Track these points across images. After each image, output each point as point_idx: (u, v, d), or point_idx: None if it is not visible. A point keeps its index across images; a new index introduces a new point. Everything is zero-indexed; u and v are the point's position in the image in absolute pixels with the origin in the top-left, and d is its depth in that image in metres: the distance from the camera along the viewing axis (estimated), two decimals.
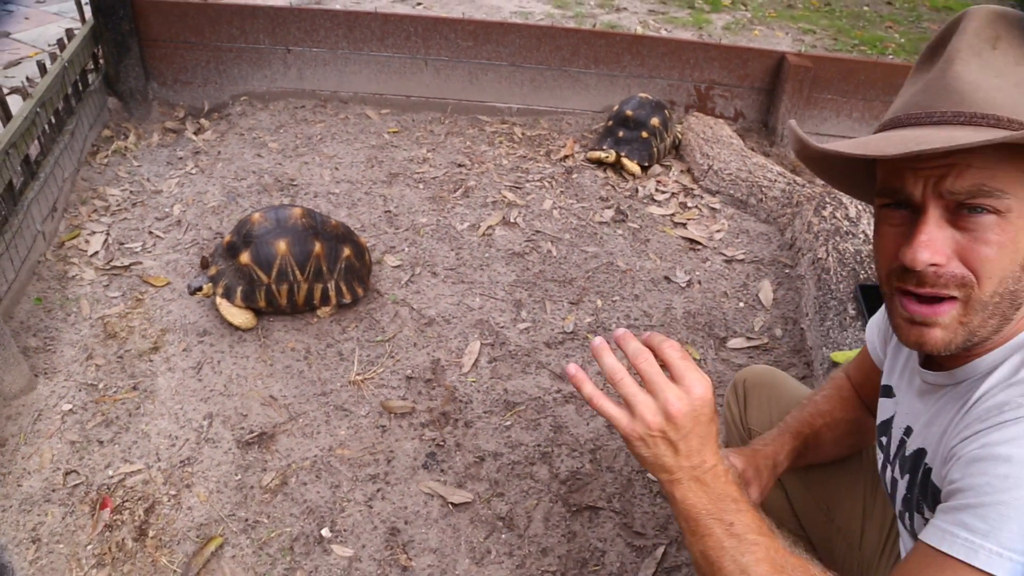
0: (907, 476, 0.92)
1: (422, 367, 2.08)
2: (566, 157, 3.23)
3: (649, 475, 1.72)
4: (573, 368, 0.81)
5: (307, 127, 3.32)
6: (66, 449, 1.76)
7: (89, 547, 1.55)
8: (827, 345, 2.03)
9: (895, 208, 0.80)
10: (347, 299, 2.22)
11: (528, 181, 3.04)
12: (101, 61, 3.21)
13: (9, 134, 2.21)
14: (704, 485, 0.77)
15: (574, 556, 1.62)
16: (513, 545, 1.63)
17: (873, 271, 2.21)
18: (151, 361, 2.03)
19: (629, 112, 3.11)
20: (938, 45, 0.80)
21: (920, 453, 0.89)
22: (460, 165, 3.12)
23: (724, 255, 2.68)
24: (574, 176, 3.09)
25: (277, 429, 1.86)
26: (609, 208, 2.90)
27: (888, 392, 1.04)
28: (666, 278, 2.53)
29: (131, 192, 2.78)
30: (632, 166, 3.09)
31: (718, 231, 2.82)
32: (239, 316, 2.12)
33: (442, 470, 1.79)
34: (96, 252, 2.43)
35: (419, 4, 5.29)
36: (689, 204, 2.99)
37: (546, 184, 3.03)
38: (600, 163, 3.16)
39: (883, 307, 1.07)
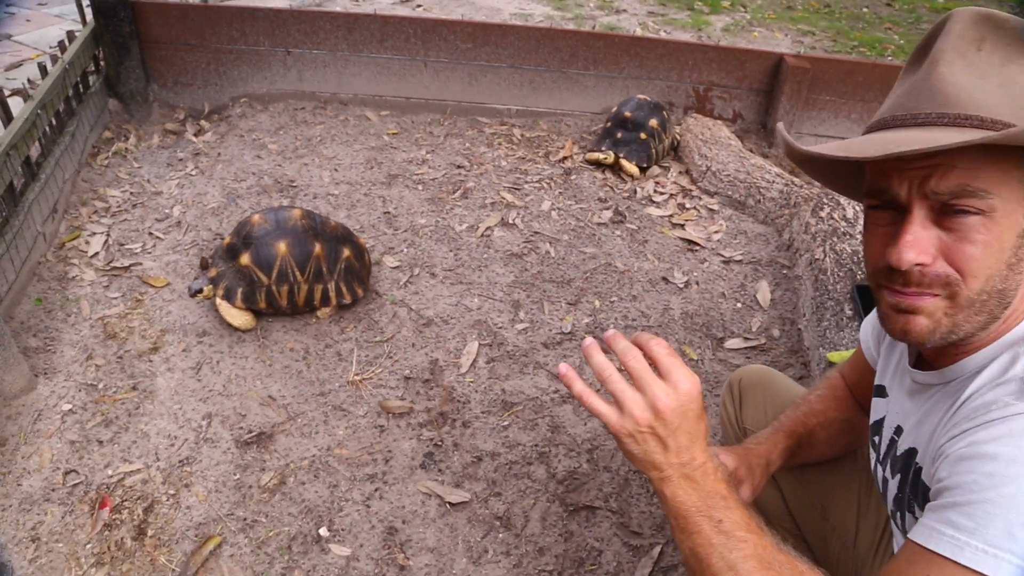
0: (898, 475, 0.92)
1: (420, 367, 2.09)
2: (565, 158, 3.24)
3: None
4: (564, 367, 0.82)
5: (307, 129, 3.33)
6: (66, 449, 1.77)
7: (88, 546, 1.56)
8: (824, 345, 2.04)
9: (882, 209, 0.81)
10: (347, 300, 2.23)
11: (527, 182, 3.05)
12: (102, 63, 3.22)
13: (10, 136, 2.23)
14: (693, 482, 0.78)
15: (571, 555, 1.62)
16: (510, 544, 1.64)
17: None
18: (151, 361, 2.04)
19: (627, 113, 3.12)
20: (924, 47, 0.81)
21: (911, 453, 0.90)
22: (459, 166, 3.13)
23: (722, 256, 2.69)
24: (573, 177, 3.10)
25: (276, 429, 1.87)
26: (607, 209, 2.91)
27: (881, 392, 1.04)
28: (664, 279, 2.54)
29: (131, 193, 2.79)
30: (630, 167, 3.10)
31: (716, 232, 2.83)
32: (239, 317, 2.12)
33: (440, 470, 1.80)
34: (96, 253, 2.44)
35: (419, 6, 5.30)
36: (687, 205, 3.00)
37: (545, 185, 3.04)
38: (599, 164, 3.17)
39: None
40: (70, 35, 2.99)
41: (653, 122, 3.11)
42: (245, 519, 1.64)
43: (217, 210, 2.72)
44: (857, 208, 2.57)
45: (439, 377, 2.07)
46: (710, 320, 2.36)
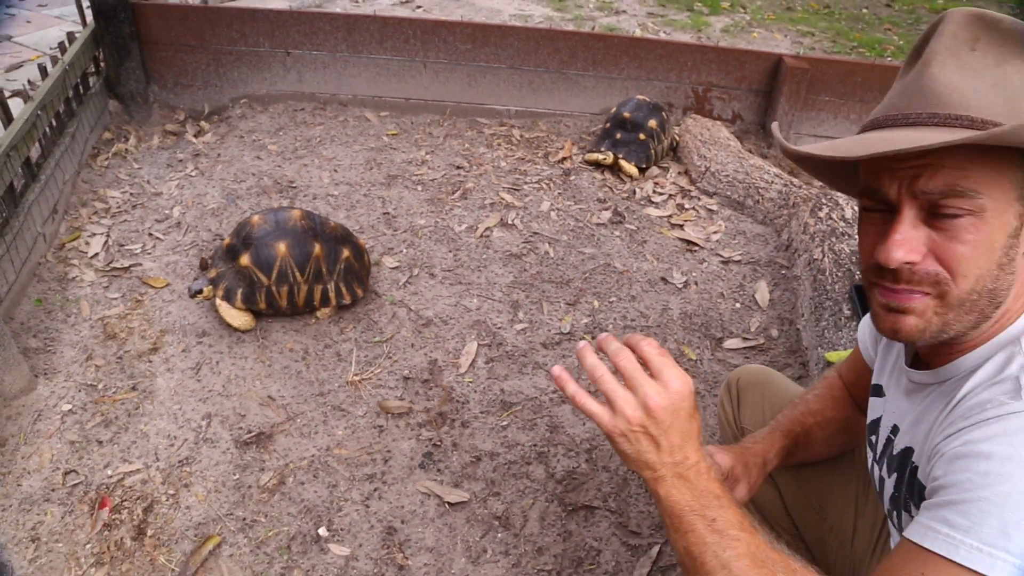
0: (894, 475, 0.93)
1: (419, 368, 2.09)
2: (564, 159, 3.25)
3: None
4: (557, 369, 0.82)
5: (306, 129, 3.34)
6: (65, 449, 1.77)
7: (88, 546, 1.56)
8: (822, 345, 2.04)
9: (876, 210, 0.82)
10: (346, 300, 2.23)
11: (526, 183, 3.05)
12: (102, 64, 3.23)
13: (10, 137, 2.23)
14: (687, 482, 0.79)
15: (569, 555, 1.63)
16: (509, 544, 1.64)
17: None
18: (150, 362, 2.05)
19: (627, 114, 3.12)
20: (919, 48, 0.82)
21: (907, 452, 0.90)
22: (458, 167, 3.14)
23: (721, 256, 2.70)
24: (572, 178, 3.11)
25: (275, 429, 1.87)
26: (606, 210, 2.91)
27: (878, 391, 1.05)
28: (663, 279, 2.55)
29: (131, 194, 2.80)
30: (630, 168, 3.10)
31: (715, 232, 2.83)
32: (239, 318, 2.13)
33: (439, 470, 1.80)
34: (96, 254, 2.45)
35: (418, 7, 5.31)
36: (686, 206, 3.00)
37: (544, 186, 3.04)
38: (598, 165, 3.18)
39: None
40: (70, 36, 2.99)
41: (652, 123, 3.12)
42: (244, 519, 1.65)
43: (217, 211, 2.73)
44: (856, 208, 2.58)
45: (438, 377, 2.07)
46: (709, 320, 2.36)
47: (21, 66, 3.87)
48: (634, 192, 3.06)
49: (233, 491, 1.71)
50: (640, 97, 3.25)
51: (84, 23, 3.19)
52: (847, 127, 3.51)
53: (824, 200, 2.64)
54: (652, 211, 2.94)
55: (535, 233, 2.74)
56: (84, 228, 2.56)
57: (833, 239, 2.41)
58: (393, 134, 3.37)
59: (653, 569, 1.60)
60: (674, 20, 5.48)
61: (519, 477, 1.80)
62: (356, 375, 2.05)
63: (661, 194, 3.06)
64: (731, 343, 2.27)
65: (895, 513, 0.93)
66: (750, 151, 3.30)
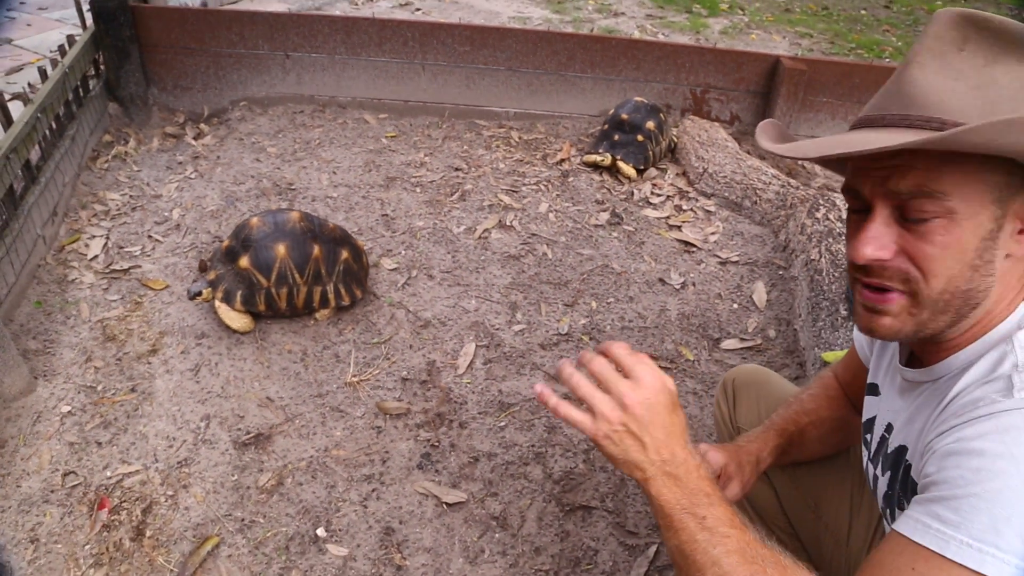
0: (888, 473, 0.93)
1: (418, 369, 2.10)
2: (562, 161, 3.25)
3: None
4: (539, 387, 0.85)
5: (305, 132, 3.35)
6: (65, 450, 1.78)
7: (87, 547, 1.57)
8: (819, 345, 2.05)
9: (857, 208, 0.84)
10: (345, 301, 2.24)
11: (524, 185, 3.06)
12: (102, 67, 3.24)
13: (10, 139, 2.24)
14: (677, 480, 0.79)
15: (567, 555, 1.63)
16: (507, 544, 1.64)
17: None
18: (149, 363, 2.05)
19: (625, 116, 3.13)
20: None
21: (901, 450, 0.90)
22: (457, 169, 3.15)
23: (718, 257, 2.70)
24: (570, 179, 3.11)
25: (274, 430, 1.88)
26: (605, 211, 2.92)
27: (874, 390, 1.05)
28: (661, 280, 2.55)
29: (131, 196, 2.81)
30: (628, 169, 3.11)
31: (713, 233, 2.84)
32: (238, 320, 2.14)
33: (436, 470, 1.81)
34: (96, 256, 2.45)
35: (417, 10, 5.33)
36: (684, 207, 3.01)
37: (542, 188, 3.05)
38: (596, 166, 3.19)
39: None
40: (70, 39, 3.00)
41: (650, 124, 3.13)
42: (243, 520, 1.65)
43: (216, 213, 2.74)
44: None
45: (436, 378, 2.08)
46: (706, 321, 2.37)
47: (21, 69, 3.88)
48: (632, 193, 3.07)
49: (232, 492, 1.71)
50: (638, 99, 3.26)
51: (84, 26, 3.20)
52: (845, 128, 3.50)
53: (821, 201, 2.65)
54: (650, 212, 2.95)
55: (533, 234, 2.75)
56: (84, 230, 2.57)
57: (830, 240, 2.42)
58: (392, 136, 3.38)
59: (650, 569, 1.61)
60: (673, 22, 5.49)
61: (517, 477, 1.80)
62: (354, 376, 2.05)
63: (659, 195, 3.07)
64: (728, 343, 2.27)
65: (889, 511, 0.94)
66: (748, 152, 3.30)
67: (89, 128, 2.99)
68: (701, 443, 1.13)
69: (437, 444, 1.87)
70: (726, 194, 3.01)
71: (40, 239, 2.38)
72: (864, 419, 1.06)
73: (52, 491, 1.68)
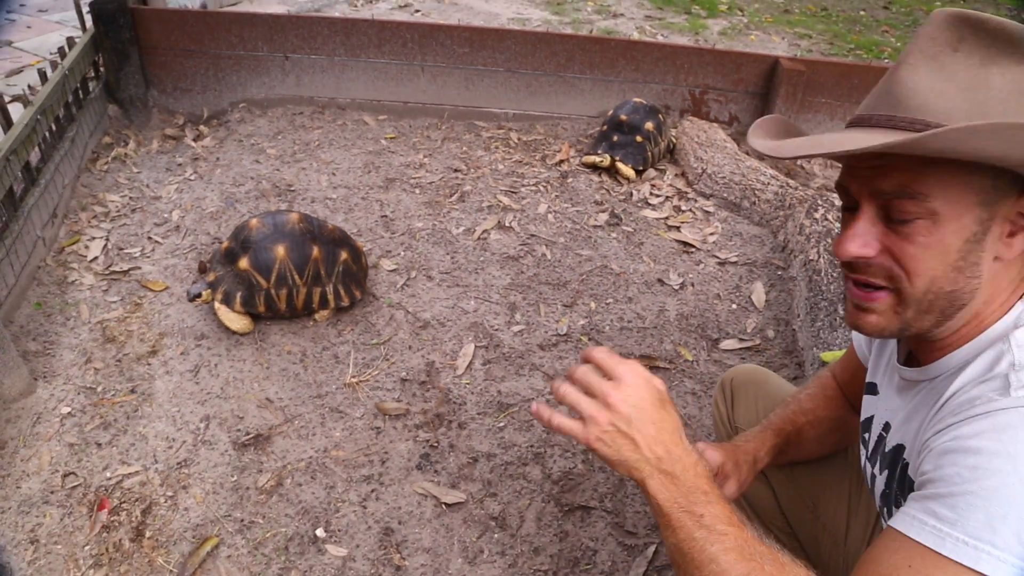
0: (885, 471, 0.94)
1: (417, 369, 2.10)
2: (561, 162, 3.26)
3: None
4: (534, 406, 0.87)
5: (305, 133, 3.36)
6: (64, 451, 1.78)
7: (87, 548, 1.57)
8: (818, 345, 2.05)
9: (847, 207, 0.86)
10: (345, 302, 2.24)
11: (523, 186, 3.07)
12: (101, 69, 3.24)
13: (10, 141, 2.25)
14: (673, 477, 0.80)
15: (566, 555, 1.63)
16: (505, 544, 1.65)
17: None
18: (149, 364, 2.06)
19: (623, 117, 3.14)
20: None
21: (899, 449, 0.91)
22: (456, 170, 3.15)
23: (717, 257, 2.71)
24: (569, 180, 3.12)
25: (273, 431, 1.88)
26: (603, 212, 2.92)
27: (872, 389, 1.06)
28: (659, 281, 2.56)
29: (130, 198, 2.81)
30: (627, 170, 3.12)
31: (711, 234, 2.84)
32: (237, 322, 2.14)
33: (436, 471, 1.81)
34: (96, 257, 2.46)
35: (417, 11, 5.33)
36: (683, 207, 3.01)
37: (541, 188, 3.06)
38: (595, 167, 3.19)
39: None
40: (70, 41, 3.01)
41: (649, 125, 3.13)
42: (242, 520, 1.66)
43: (216, 214, 2.74)
44: None
45: (435, 379, 2.08)
46: (705, 321, 2.37)
47: (21, 71, 3.89)
48: (631, 194, 3.07)
49: (231, 492, 1.71)
50: (637, 100, 3.26)
51: (84, 28, 3.21)
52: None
53: (820, 201, 2.65)
54: (649, 213, 2.95)
55: (532, 235, 2.75)
56: (83, 232, 2.57)
57: (829, 240, 2.42)
58: (391, 137, 3.39)
59: (649, 569, 1.61)
60: (672, 23, 5.50)
61: (516, 478, 1.80)
62: (354, 377, 2.06)
63: (658, 196, 3.08)
64: (727, 344, 2.28)
65: (886, 509, 0.94)
66: (747, 153, 3.30)
67: (89, 130, 3.00)
68: (698, 442, 1.13)
69: (436, 445, 1.88)
70: (725, 195, 3.02)
71: (40, 241, 2.38)
72: (862, 418, 1.07)
73: (52, 492, 1.68)
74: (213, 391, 1.98)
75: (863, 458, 1.05)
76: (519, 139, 3.46)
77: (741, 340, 2.29)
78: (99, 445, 1.81)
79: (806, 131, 0.94)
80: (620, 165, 3.11)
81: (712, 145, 3.21)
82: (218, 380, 2.02)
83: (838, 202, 2.61)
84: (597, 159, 3.14)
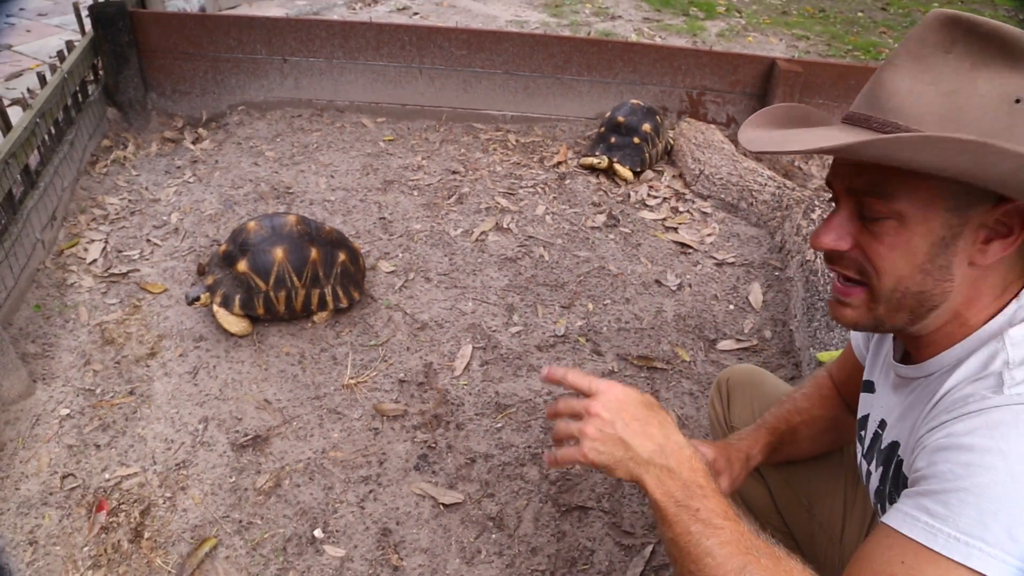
0: (880, 468, 0.94)
1: (415, 371, 2.11)
2: (559, 163, 3.27)
3: None
4: (547, 455, 0.90)
5: (303, 136, 3.36)
6: (63, 453, 1.79)
7: (85, 549, 1.58)
8: (815, 346, 2.06)
9: (833, 199, 0.88)
10: (343, 303, 2.25)
11: (521, 187, 3.07)
12: (100, 72, 3.25)
13: (9, 144, 2.25)
14: (670, 472, 0.81)
15: (563, 555, 1.64)
16: (503, 545, 1.65)
17: None
18: (148, 366, 2.06)
19: (621, 118, 3.15)
20: None
21: (893, 446, 0.91)
22: (454, 172, 3.16)
23: (715, 258, 2.71)
24: (567, 182, 3.13)
25: (271, 432, 1.89)
26: (601, 213, 2.93)
27: (869, 387, 1.06)
28: (657, 282, 2.56)
29: (129, 201, 2.82)
30: (624, 172, 3.12)
31: (709, 235, 2.85)
32: (236, 324, 2.14)
33: (433, 471, 1.82)
34: (94, 260, 2.46)
35: (415, 14, 5.35)
36: (681, 208, 3.02)
37: (539, 190, 3.06)
38: (593, 169, 3.20)
39: None
40: (69, 45, 3.02)
41: (646, 127, 3.14)
42: (240, 521, 1.66)
43: (214, 217, 2.75)
44: None
45: (433, 380, 2.08)
46: (703, 322, 2.38)
47: (21, 75, 3.90)
48: (629, 196, 3.08)
49: (229, 494, 1.72)
50: (634, 101, 3.27)
51: (83, 32, 3.22)
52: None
53: (817, 202, 2.66)
54: (646, 214, 2.96)
55: (530, 237, 2.76)
56: (83, 234, 2.58)
57: None
58: (389, 140, 3.40)
59: (646, 569, 1.61)
60: (670, 25, 5.51)
61: (513, 478, 1.81)
62: (352, 378, 2.06)
63: (656, 197, 3.08)
64: (725, 344, 2.28)
65: (880, 506, 0.95)
66: (744, 154, 3.31)
67: (88, 133, 3.01)
68: (691, 440, 1.14)
69: (434, 445, 1.88)
70: (722, 196, 3.03)
71: (39, 243, 2.39)
72: (859, 415, 1.07)
73: (51, 493, 1.69)
74: (212, 393, 1.99)
75: (859, 455, 1.06)
76: (517, 141, 3.46)
77: (738, 341, 2.30)
78: (98, 447, 1.81)
79: (813, 118, 0.94)
80: (618, 167, 3.12)
81: (709, 146, 3.22)
82: (216, 382, 2.02)
83: None
84: (595, 161, 3.15)
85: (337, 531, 1.66)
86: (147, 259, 2.51)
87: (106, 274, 2.41)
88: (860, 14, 6.29)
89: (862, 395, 1.08)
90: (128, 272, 2.42)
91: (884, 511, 0.93)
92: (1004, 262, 0.79)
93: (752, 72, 3.47)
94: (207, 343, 2.16)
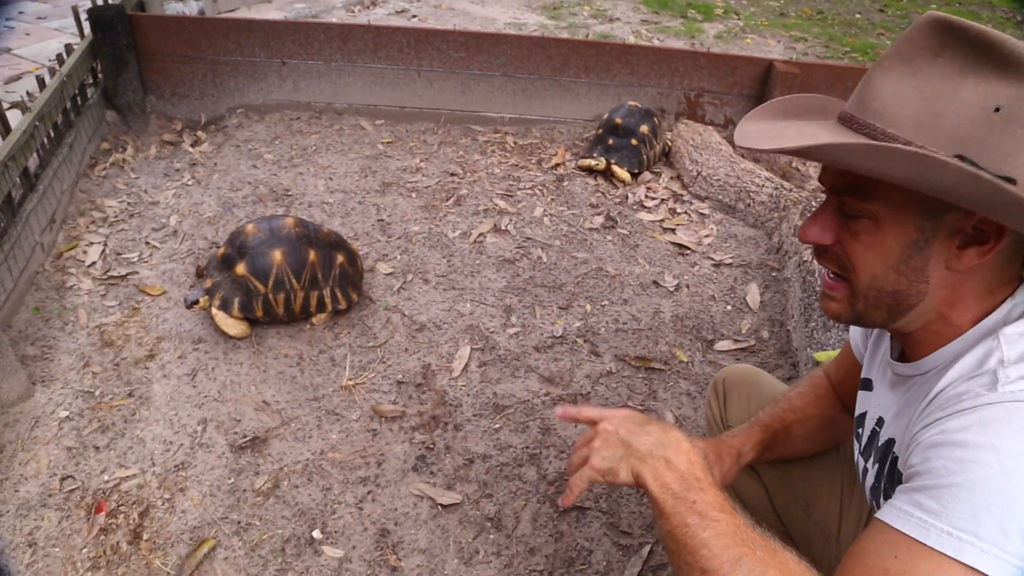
0: (876, 466, 0.95)
1: (413, 372, 2.12)
2: (557, 165, 3.27)
3: None
4: (561, 501, 0.97)
5: (302, 138, 3.37)
6: (63, 455, 1.79)
7: (84, 550, 1.58)
8: (812, 346, 2.06)
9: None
10: (342, 305, 2.25)
11: (520, 189, 3.08)
12: (100, 75, 3.26)
13: (8, 147, 2.26)
14: (669, 464, 0.84)
15: (561, 555, 1.64)
16: (501, 545, 1.66)
17: None
18: (147, 368, 2.07)
19: (618, 120, 3.15)
20: None
21: (890, 443, 0.92)
22: (453, 174, 3.17)
23: (712, 259, 2.72)
24: (565, 184, 3.14)
25: (270, 433, 1.89)
26: (599, 215, 2.94)
27: (867, 385, 1.07)
28: (655, 282, 2.57)
29: (128, 203, 2.83)
30: (622, 173, 3.13)
31: (707, 236, 2.85)
32: (235, 327, 2.15)
33: (432, 472, 1.82)
34: (94, 262, 2.47)
35: (414, 17, 5.36)
36: (678, 210, 3.03)
37: (537, 192, 3.07)
38: (591, 171, 3.21)
39: None
40: (68, 48, 3.03)
41: (644, 128, 3.15)
42: (239, 522, 1.66)
43: (213, 219, 2.76)
44: None
45: (431, 381, 2.09)
46: (700, 323, 2.39)
47: (20, 78, 3.91)
48: (626, 197, 3.09)
49: (228, 495, 1.72)
50: (632, 103, 3.28)
51: (82, 35, 3.23)
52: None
53: (814, 203, 2.67)
54: (644, 216, 2.97)
55: (528, 238, 2.76)
56: (82, 237, 2.59)
57: None
58: (388, 142, 3.41)
59: (644, 568, 1.62)
60: (668, 27, 5.53)
61: (511, 479, 1.81)
62: (350, 380, 2.07)
63: (653, 199, 3.09)
64: (722, 345, 2.29)
65: (875, 503, 0.95)
66: (741, 155, 3.32)
67: (87, 136, 3.01)
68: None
69: (432, 446, 1.89)
70: (720, 197, 3.03)
71: (38, 246, 2.39)
72: (857, 413, 1.08)
73: (50, 495, 1.69)
74: (210, 394, 1.99)
75: (856, 453, 1.06)
76: (515, 143, 3.47)
77: (736, 341, 2.31)
78: (97, 448, 1.82)
79: (814, 110, 0.95)
80: (616, 168, 3.13)
81: (707, 148, 3.23)
82: (215, 383, 2.03)
83: None
84: (593, 162, 3.16)
85: (335, 532, 1.66)
86: (146, 261, 2.51)
87: (105, 276, 2.42)
88: (858, 16, 6.31)
89: (860, 393, 1.09)
90: (127, 274, 2.43)
91: (879, 507, 0.93)
92: (986, 266, 0.79)
93: (749, 74, 3.48)
94: (206, 345, 2.16)
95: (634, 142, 3.13)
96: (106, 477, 1.74)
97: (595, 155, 3.16)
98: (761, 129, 0.90)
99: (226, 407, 1.96)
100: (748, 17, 5.96)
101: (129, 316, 2.26)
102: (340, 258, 2.23)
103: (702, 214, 3.00)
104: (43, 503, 1.68)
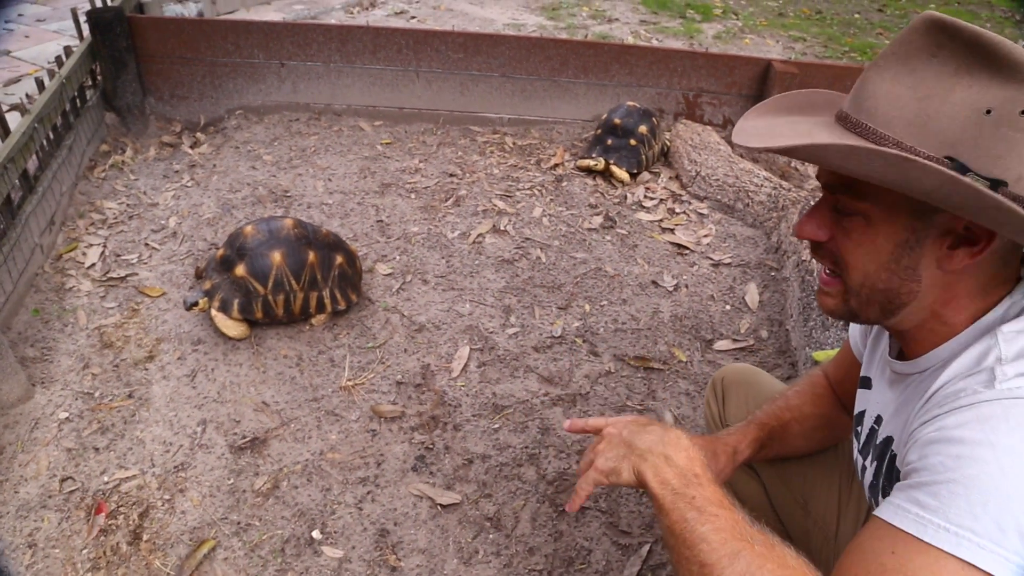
0: (875, 463, 0.95)
1: (412, 372, 2.12)
2: (556, 166, 3.28)
3: None
4: (568, 507, 1.01)
5: (301, 139, 3.38)
6: (62, 456, 1.80)
7: (84, 551, 1.58)
8: (810, 345, 2.07)
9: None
10: (341, 306, 2.25)
11: (518, 189, 3.09)
12: (99, 77, 3.27)
13: (8, 149, 2.26)
14: (668, 460, 0.85)
15: (560, 555, 1.64)
16: (500, 545, 1.66)
17: None
18: (146, 370, 2.07)
19: (617, 120, 3.16)
20: None
21: (888, 441, 0.92)
22: (452, 175, 3.17)
23: (711, 259, 2.72)
24: (564, 184, 3.14)
25: (269, 434, 1.89)
26: (598, 215, 2.94)
27: (866, 384, 1.07)
28: (654, 282, 2.57)
29: (128, 205, 2.83)
30: (621, 173, 3.13)
31: (705, 236, 2.86)
32: (234, 328, 2.15)
33: (431, 472, 1.82)
34: (93, 264, 2.47)
35: (412, 18, 5.36)
36: (677, 210, 3.03)
37: (536, 192, 3.07)
38: (589, 171, 3.21)
39: None
40: (67, 50, 3.03)
41: (643, 128, 3.15)
42: (239, 523, 1.67)
43: (212, 220, 2.76)
44: None
45: (431, 381, 2.09)
46: (699, 322, 2.39)
47: (19, 80, 3.91)
48: (625, 197, 3.09)
49: (228, 495, 1.73)
50: (631, 103, 3.28)
51: (81, 37, 3.23)
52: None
53: (812, 203, 2.67)
54: (643, 216, 2.97)
55: (527, 239, 2.77)
56: (81, 239, 2.59)
57: None
58: (387, 143, 3.41)
59: (643, 568, 1.62)
60: (667, 27, 5.53)
61: (511, 479, 1.82)
62: (349, 380, 2.07)
63: (652, 199, 3.10)
64: (721, 344, 2.29)
65: (873, 500, 0.96)
66: (740, 155, 3.33)
67: (86, 138, 3.02)
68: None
69: (431, 447, 1.89)
70: (719, 197, 3.04)
71: (38, 248, 2.40)
72: (856, 411, 1.08)
73: (50, 496, 1.70)
74: (210, 395, 2.00)
75: (855, 451, 1.07)
76: (514, 143, 3.48)
77: (735, 341, 2.31)
78: (97, 449, 1.82)
79: (815, 106, 0.95)
80: (614, 168, 3.13)
81: (706, 148, 3.23)
82: (215, 384, 2.03)
83: None
84: (591, 163, 3.16)
85: (335, 532, 1.66)
86: (145, 263, 2.52)
87: (104, 278, 2.42)
88: (857, 16, 6.32)
89: (859, 391, 1.09)
90: (126, 276, 2.43)
91: (877, 504, 0.94)
92: (979, 266, 0.79)
93: (748, 74, 3.48)
94: (205, 346, 2.16)
95: (633, 142, 3.13)
96: (106, 478, 1.75)
97: (594, 155, 3.17)
98: (757, 126, 0.90)
99: (226, 408, 1.96)
100: (747, 17, 5.97)
101: (128, 317, 2.26)
102: (339, 259, 2.23)
103: (701, 214, 3.00)
104: (43, 504, 1.68)
